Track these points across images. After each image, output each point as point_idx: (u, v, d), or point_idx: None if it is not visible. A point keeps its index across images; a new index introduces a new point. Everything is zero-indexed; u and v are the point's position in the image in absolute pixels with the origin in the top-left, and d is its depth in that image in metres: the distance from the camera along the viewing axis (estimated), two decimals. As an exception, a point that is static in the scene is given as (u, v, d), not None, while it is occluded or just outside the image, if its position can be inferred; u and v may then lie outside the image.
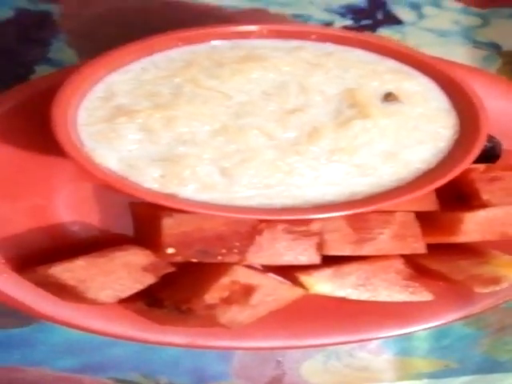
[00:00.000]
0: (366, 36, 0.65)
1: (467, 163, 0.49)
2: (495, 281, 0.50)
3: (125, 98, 0.49)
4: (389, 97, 0.53)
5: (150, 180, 0.46)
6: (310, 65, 0.54)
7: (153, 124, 0.47)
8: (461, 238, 0.50)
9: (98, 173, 0.45)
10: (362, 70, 0.55)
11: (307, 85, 0.52)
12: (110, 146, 0.47)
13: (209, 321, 0.46)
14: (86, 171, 0.45)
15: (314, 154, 0.49)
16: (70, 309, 0.47)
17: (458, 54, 0.73)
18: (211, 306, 0.45)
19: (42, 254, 0.47)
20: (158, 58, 0.52)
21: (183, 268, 0.47)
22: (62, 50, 0.63)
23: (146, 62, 0.52)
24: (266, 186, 0.47)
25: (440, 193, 0.51)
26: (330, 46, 0.56)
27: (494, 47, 0.75)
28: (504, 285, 0.50)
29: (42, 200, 0.49)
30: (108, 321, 0.48)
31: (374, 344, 0.53)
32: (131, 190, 0.45)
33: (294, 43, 0.55)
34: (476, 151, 0.50)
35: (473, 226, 0.50)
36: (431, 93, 0.55)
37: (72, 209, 0.50)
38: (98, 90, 0.49)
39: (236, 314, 0.46)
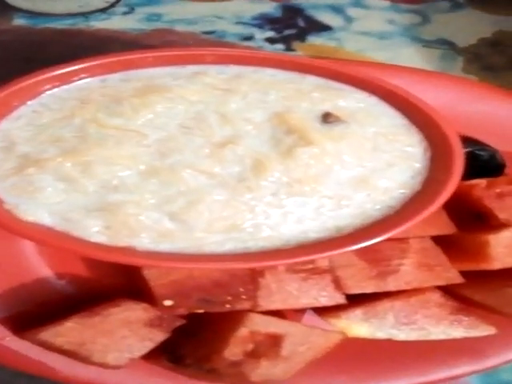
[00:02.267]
0: (274, 54, 0.62)
1: (456, 179, 0.46)
2: None
3: (27, 147, 0.45)
4: (328, 117, 0.48)
5: (95, 233, 0.41)
6: (220, 91, 0.50)
7: (68, 172, 0.43)
8: (494, 264, 0.45)
9: (30, 233, 0.41)
10: (283, 90, 0.50)
11: (227, 113, 0.48)
12: (34, 200, 0.42)
13: (240, 380, 0.42)
14: (14, 232, 0.41)
15: (268, 189, 0.44)
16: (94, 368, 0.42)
17: (408, 56, 0.69)
18: (236, 364, 0.41)
19: (33, 313, 0.44)
20: (46, 98, 0.48)
21: (196, 318, 0.43)
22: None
23: (34, 104, 0.48)
24: (230, 228, 0.43)
25: (452, 213, 0.47)
26: (234, 68, 0.52)
27: (447, 44, 0.71)
28: None
29: (15, 256, 0.46)
30: (138, 378, 0.43)
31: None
32: (79, 248, 0.41)
33: (191, 68, 0.52)
34: (459, 165, 0.46)
35: (502, 250, 0.45)
36: (376, 108, 0.51)
37: (53, 262, 0.46)
38: (-6, 140, 0.46)
39: (268, 370, 0.41)
